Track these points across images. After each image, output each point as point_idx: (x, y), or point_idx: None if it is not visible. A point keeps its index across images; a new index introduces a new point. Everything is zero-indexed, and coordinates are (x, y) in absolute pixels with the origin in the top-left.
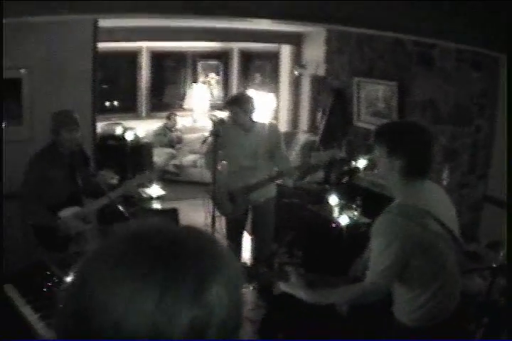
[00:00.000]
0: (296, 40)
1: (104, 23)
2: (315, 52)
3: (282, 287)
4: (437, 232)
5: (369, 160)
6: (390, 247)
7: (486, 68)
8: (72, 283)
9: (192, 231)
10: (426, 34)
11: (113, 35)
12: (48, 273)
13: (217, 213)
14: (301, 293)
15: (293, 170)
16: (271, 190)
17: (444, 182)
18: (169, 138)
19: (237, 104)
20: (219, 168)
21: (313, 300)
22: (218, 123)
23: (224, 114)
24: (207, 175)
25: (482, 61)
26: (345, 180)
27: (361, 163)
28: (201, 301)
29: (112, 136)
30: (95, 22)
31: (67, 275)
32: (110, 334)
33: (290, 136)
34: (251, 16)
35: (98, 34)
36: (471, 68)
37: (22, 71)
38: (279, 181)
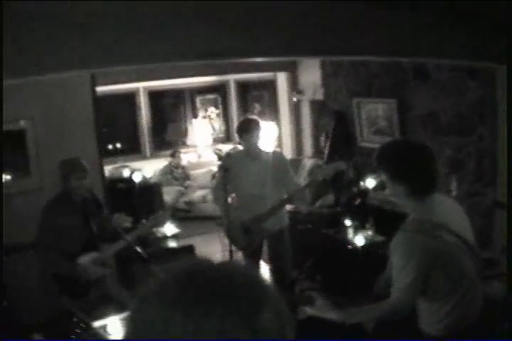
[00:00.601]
0: (291, 67)
1: None
2: (311, 77)
3: (310, 311)
4: (454, 244)
5: (378, 181)
6: (410, 263)
7: (481, 76)
8: (127, 328)
9: (233, 267)
10: (421, 55)
11: (108, 77)
12: (75, 319)
13: (233, 247)
14: (330, 314)
15: (302, 190)
16: (284, 219)
17: (453, 193)
18: (175, 176)
19: (247, 127)
20: (229, 201)
21: (342, 319)
22: (225, 157)
23: (228, 147)
24: (217, 209)
25: (477, 70)
26: (357, 202)
27: (371, 183)
28: (255, 325)
29: (121, 179)
30: None
31: (93, 320)
32: None
33: (295, 163)
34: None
35: (95, 78)
36: (467, 78)
37: (24, 122)
38: (292, 208)
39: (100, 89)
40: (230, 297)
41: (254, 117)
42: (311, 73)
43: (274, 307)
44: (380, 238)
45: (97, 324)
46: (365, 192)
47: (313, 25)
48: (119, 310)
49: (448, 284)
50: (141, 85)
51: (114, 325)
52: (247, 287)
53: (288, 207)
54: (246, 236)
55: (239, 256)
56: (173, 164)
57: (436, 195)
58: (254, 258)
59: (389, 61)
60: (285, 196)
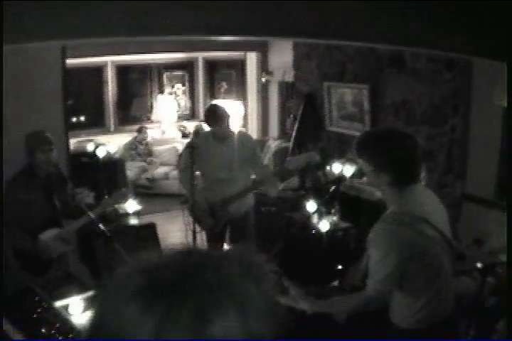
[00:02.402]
0: (261, 47)
1: None
2: (282, 59)
3: (282, 300)
4: (433, 237)
5: (357, 169)
6: (389, 256)
7: (458, 67)
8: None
9: (210, 263)
10: (410, 45)
11: (78, 50)
12: (37, 298)
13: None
14: (303, 305)
15: (273, 177)
16: (249, 201)
17: (423, 183)
18: (139, 151)
19: (215, 117)
20: (195, 182)
21: (315, 310)
22: (194, 135)
23: (193, 124)
24: (180, 187)
25: (454, 61)
26: (332, 189)
27: (338, 168)
28: (201, 335)
29: (84, 153)
30: None
31: (54, 300)
32: None
33: (261, 144)
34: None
35: (66, 51)
36: (443, 68)
37: None
38: (257, 190)
39: (68, 61)
40: (173, 301)
41: (221, 105)
42: (283, 54)
43: (239, 315)
44: (345, 224)
45: (58, 303)
46: (340, 179)
47: (287, 6)
48: (80, 289)
49: (425, 278)
50: (109, 59)
51: (76, 304)
52: (198, 292)
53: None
54: (212, 218)
55: (202, 236)
56: (138, 139)
57: (418, 185)
58: (217, 240)
59: (364, 46)
60: (252, 177)
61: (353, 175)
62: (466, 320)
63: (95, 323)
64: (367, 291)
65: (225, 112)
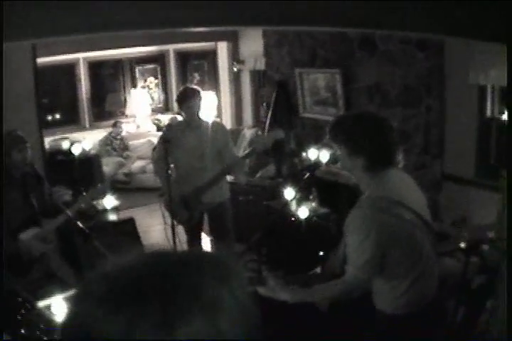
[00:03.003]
0: (232, 37)
1: None
2: (253, 47)
3: (262, 291)
4: (411, 221)
5: (331, 154)
6: (366, 241)
7: (430, 48)
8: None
9: (177, 265)
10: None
11: (49, 48)
12: (20, 300)
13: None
14: (283, 295)
15: (241, 161)
16: (224, 192)
17: (400, 165)
18: (114, 146)
19: (187, 96)
20: (170, 173)
21: (296, 300)
22: (166, 128)
23: (167, 117)
24: (158, 181)
25: (426, 41)
26: (307, 176)
27: (313, 154)
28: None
29: (60, 152)
30: None
31: (37, 300)
32: None
33: (235, 133)
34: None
35: (36, 50)
36: (415, 49)
37: None
38: (233, 179)
39: (40, 60)
40: (137, 308)
41: (194, 86)
42: (253, 43)
43: (207, 320)
44: (323, 210)
45: (41, 304)
46: (315, 165)
47: None
48: (63, 288)
49: (405, 262)
50: (81, 56)
51: (58, 304)
52: (164, 300)
53: (229, 178)
54: (186, 210)
55: (179, 228)
56: (112, 134)
57: (393, 169)
58: (195, 232)
59: (334, 31)
60: (224, 167)
61: (328, 161)
62: (454, 301)
63: (65, 328)
64: (347, 278)
65: (196, 91)
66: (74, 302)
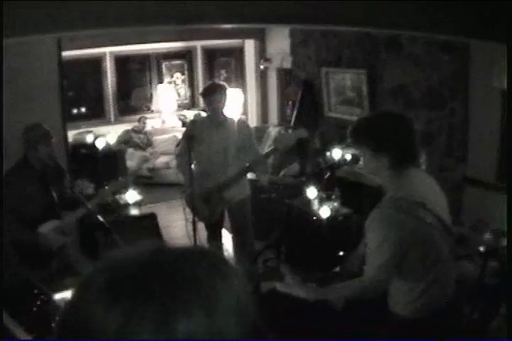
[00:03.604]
0: (259, 35)
1: None
2: (279, 45)
3: (279, 287)
4: (431, 223)
5: (352, 154)
6: (386, 242)
7: (455, 50)
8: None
9: (176, 260)
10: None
11: (75, 42)
12: (36, 291)
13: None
14: (300, 292)
15: (263, 159)
16: (245, 189)
17: (423, 167)
18: (135, 141)
19: (213, 91)
20: (192, 170)
21: (313, 298)
22: (190, 124)
23: (192, 113)
24: (181, 176)
25: (451, 44)
26: (327, 176)
27: (337, 153)
28: (166, 332)
29: (84, 145)
30: None
31: (54, 292)
32: None
33: (261, 131)
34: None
35: (61, 43)
36: (440, 51)
37: None
38: (254, 178)
39: (66, 53)
40: (137, 299)
41: (222, 82)
42: (280, 41)
43: (206, 315)
44: (345, 210)
45: (58, 296)
46: (336, 165)
47: None
48: None
49: (423, 264)
50: (107, 50)
51: None
52: (163, 292)
53: (251, 176)
54: (207, 206)
55: (201, 225)
56: (135, 129)
57: (416, 169)
58: (215, 228)
59: (361, 31)
60: (246, 165)
61: (350, 161)
62: (470, 304)
63: (64, 318)
64: (365, 278)
65: (222, 87)
66: (73, 293)
